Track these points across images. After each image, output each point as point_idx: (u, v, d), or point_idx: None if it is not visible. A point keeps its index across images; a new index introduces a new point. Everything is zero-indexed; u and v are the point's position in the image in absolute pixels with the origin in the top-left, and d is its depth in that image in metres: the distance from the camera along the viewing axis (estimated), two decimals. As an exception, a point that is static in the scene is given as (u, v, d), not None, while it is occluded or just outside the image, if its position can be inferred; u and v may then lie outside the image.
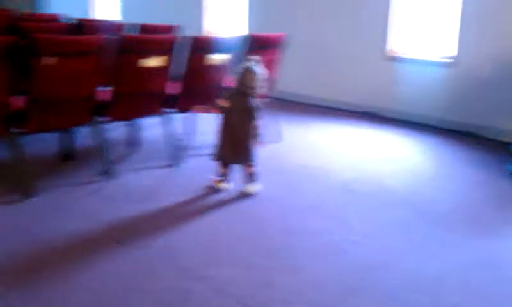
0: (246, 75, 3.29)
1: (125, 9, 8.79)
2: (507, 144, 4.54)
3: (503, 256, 2.73)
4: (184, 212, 3.11)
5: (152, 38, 3.78)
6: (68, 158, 3.87)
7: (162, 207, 3.15)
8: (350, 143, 4.80)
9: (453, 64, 5.31)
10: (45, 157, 3.94)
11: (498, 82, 4.98)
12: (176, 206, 3.18)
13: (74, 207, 3.08)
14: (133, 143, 4.29)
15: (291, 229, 2.95)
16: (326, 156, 4.39)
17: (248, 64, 3.34)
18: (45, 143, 4.12)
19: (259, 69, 3.32)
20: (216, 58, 3.99)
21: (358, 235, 2.90)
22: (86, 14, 9.16)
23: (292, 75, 6.57)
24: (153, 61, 3.65)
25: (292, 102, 6.59)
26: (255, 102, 3.33)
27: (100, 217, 2.95)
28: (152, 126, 4.44)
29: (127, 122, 4.28)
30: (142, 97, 3.72)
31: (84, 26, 4.79)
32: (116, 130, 4.61)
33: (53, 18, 5.46)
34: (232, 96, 3.35)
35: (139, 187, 3.45)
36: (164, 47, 3.68)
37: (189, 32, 5.00)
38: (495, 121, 5.05)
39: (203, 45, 3.88)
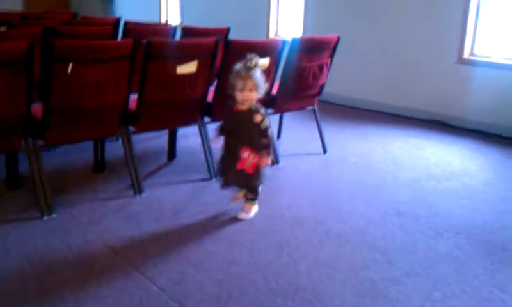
0: (241, 77, 2.77)
1: (187, 13, 8.68)
2: None
3: None
4: (210, 233, 2.82)
5: (185, 43, 3.51)
6: (98, 170, 3.69)
7: (188, 226, 2.88)
8: (410, 155, 4.33)
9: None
10: (76, 168, 3.78)
11: None
12: (203, 225, 2.89)
13: (94, 225, 2.87)
14: (169, 154, 4.05)
15: (323, 260, 2.58)
16: (379, 170, 3.95)
17: (243, 64, 2.79)
18: (79, 153, 3.98)
19: (249, 70, 2.77)
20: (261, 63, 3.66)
21: (401, 272, 2.48)
22: (157, 18, 9.18)
23: (349, 78, 6.17)
24: (187, 67, 3.40)
25: (346, 106, 6.17)
26: (259, 113, 2.84)
27: (118, 237, 2.72)
28: (193, 136, 4.20)
29: (167, 131, 4.06)
30: (175, 105, 3.47)
31: (129, 30, 4.62)
32: (157, 138, 4.43)
33: (105, 22, 5.34)
34: (229, 111, 2.94)
35: (167, 203, 3.19)
36: (202, 52, 3.40)
37: (254, 35, 4.74)
38: None
39: (240, 49, 3.56)
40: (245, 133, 2.85)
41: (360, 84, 6.14)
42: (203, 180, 3.57)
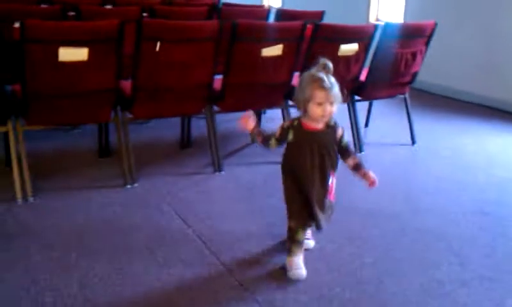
0: (323, 87, 2.13)
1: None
2: None
3: None
4: (280, 217, 2.84)
5: (271, 25, 3.53)
6: (184, 146, 3.83)
7: (260, 207, 2.92)
8: (507, 154, 4.05)
9: None
10: (163, 142, 3.96)
11: None
12: (273, 207, 2.92)
13: (172, 197, 3.00)
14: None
15: (392, 255, 2.50)
16: (470, 167, 3.73)
17: (315, 71, 2.18)
18: (169, 129, 4.15)
19: (330, 79, 2.16)
20: (345, 49, 3.59)
21: (474, 275, 2.34)
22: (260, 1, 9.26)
23: (447, 66, 5.86)
24: (273, 50, 3.40)
25: (442, 96, 5.85)
26: (340, 127, 2.28)
27: (193, 211, 2.83)
28: (278, 119, 4.23)
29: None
30: (259, 88, 3.51)
31: (223, 11, 4.71)
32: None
33: (202, 3, 5.46)
34: (296, 126, 2.26)
35: (243, 182, 3.26)
36: (288, 35, 3.39)
37: (353, 19, 4.65)
38: None
39: (327, 34, 3.50)
40: (329, 156, 2.25)
41: (459, 74, 5.80)
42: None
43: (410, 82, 4.08)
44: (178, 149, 3.82)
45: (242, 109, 3.88)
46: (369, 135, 4.36)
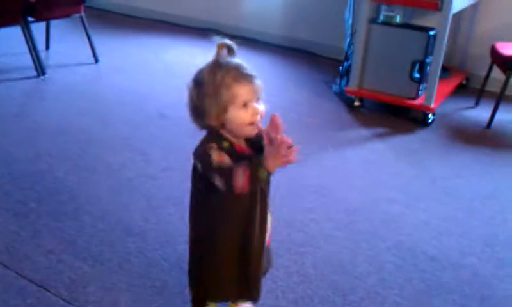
0: (244, 78, 1.38)
1: None
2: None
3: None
4: None
5: None
6: None
7: None
8: (181, 63, 4.51)
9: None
10: None
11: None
12: None
13: None
14: None
15: (83, 164, 2.65)
16: (150, 78, 4.07)
17: (219, 59, 1.41)
18: None
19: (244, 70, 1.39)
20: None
21: (158, 168, 2.68)
22: None
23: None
24: None
25: (124, 15, 6.06)
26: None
27: None
28: None
29: None
30: None
31: None
32: None
33: None
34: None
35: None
36: None
37: None
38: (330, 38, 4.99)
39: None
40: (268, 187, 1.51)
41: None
42: None
43: (83, 1, 4.11)
44: None
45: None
46: (52, 57, 4.30)
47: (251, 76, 1.38)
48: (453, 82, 3.98)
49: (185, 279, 1.63)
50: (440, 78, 3.61)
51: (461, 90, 4.18)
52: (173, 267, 1.95)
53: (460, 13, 4.07)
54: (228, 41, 1.42)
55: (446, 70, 4.05)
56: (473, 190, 2.71)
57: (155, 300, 1.80)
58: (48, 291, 1.79)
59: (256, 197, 1.45)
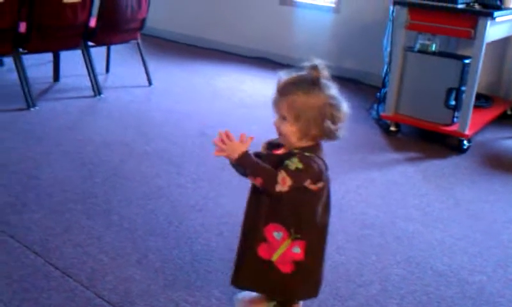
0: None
1: None
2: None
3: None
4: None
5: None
6: None
7: None
8: (229, 88, 4.73)
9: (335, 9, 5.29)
10: None
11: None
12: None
13: None
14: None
15: (121, 173, 2.88)
16: (197, 100, 4.30)
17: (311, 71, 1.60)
18: None
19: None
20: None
21: (189, 179, 2.86)
22: None
23: (180, 13, 6.39)
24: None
25: (181, 43, 6.40)
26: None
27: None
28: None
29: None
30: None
31: None
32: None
33: None
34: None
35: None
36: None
37: None
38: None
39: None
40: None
41: (189, 21, 6.38)
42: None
43: (140, 28, 4.44)
44: None
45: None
46: (110, 79, 4.64)
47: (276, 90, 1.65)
48: (495, 111, 3.95)
49: (194, 276, 1.77)
50: (481, 107, 3.62)
51: (506, 120, 4.13)
52: (185, 265, 2.10)
53: (505, 43, 4.06)
54: (316, 63, 1.62)
55: (488, 99, 4.04)
56: (496, 214, 2.70)
57: (164, 292, 1.95)
58: (71, 277, 1.99)
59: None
